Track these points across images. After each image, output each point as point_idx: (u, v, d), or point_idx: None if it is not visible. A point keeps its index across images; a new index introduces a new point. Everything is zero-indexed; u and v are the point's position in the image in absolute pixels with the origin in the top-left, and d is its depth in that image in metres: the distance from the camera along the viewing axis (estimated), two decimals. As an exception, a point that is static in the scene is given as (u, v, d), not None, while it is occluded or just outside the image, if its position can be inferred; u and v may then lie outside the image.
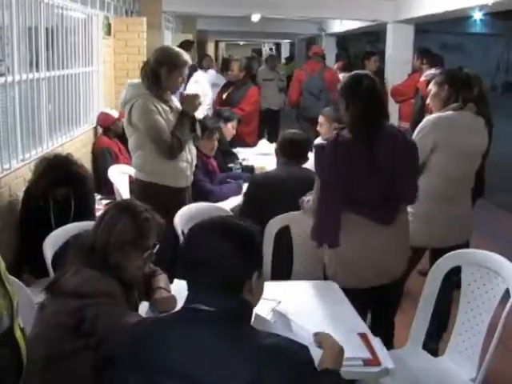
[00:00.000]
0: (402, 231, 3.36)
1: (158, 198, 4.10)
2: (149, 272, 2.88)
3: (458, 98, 3.83)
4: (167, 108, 4.14)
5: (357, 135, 3.16)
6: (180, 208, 3.90)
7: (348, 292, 3.16)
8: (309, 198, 3.47)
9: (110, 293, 2.33)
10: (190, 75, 7.48)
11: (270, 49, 28.17)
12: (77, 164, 4.23)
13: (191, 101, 4.22)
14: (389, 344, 3.43)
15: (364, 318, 3.29)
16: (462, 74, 3.99)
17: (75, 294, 2.30)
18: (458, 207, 3.91)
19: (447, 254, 3.26)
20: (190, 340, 1.73)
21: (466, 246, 4.18)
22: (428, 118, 3.86)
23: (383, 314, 3.65)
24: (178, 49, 4.28)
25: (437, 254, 3.55)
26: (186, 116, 4.18)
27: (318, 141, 5.71)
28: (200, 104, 4.29)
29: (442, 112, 3.84)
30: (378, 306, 3.56)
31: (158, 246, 2.59)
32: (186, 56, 4.24)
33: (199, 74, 7.75)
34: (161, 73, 4.09)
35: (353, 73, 3.42)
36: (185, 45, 8.26)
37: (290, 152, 4.20)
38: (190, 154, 4.28)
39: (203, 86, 7.58)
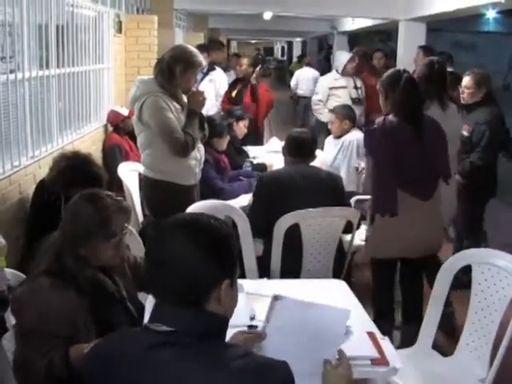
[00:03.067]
0: (436, 207, 3.76)
1: (167, 195, 4.12)
2: (133, 261, 2.83)
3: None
4: (178, 106, 4.12)
5: (403, 118, 3.60)
6: (189, 205, 3.89)
7: (385, 263, 3.83)
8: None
9: (47, 309, 2.27)
10: (207, 73, 7.52)
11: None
12: (96, 164, 4.17)
13: (196, 98, 4.19)
14: (418, 317, 3.65)
15: (392, 289, 4.00)
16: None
17: (14, 303, 2.33)
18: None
19: (458, 254, 3.26)
20: (152, 368, 1.57)
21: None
22: None
23: (414, 286, 4.06)
24: (194, 49, 4.25)
25: None
26: (193, 114, 4.16)
27: (330, 139, 5.70)
28: (205, 100, 4.25)
29: None
30: (411, 278, 4.06)
31: (127, 231, 2.53)
32: (202, 58, 4.23)
33: (215, 74, 7.74)
34: (176, 70, 4.05)
35: (394, 68, 3.97)
36: (215, 44, 8.34)
37: (296, 151, 4.16)
38: (198, 151, 4.26)
39: (218, 86, 7.58)
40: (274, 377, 1.55)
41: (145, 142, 4.18)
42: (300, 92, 13.68)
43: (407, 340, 3.54)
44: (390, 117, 3.64)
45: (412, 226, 3.65)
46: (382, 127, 3.63)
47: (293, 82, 14.04)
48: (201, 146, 4.32)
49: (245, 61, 7.69)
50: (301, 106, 13.93)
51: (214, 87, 7.53)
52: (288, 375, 1.59)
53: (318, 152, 4.50)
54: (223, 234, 1.69)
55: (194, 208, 3.91)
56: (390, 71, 3.84)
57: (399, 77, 3.68)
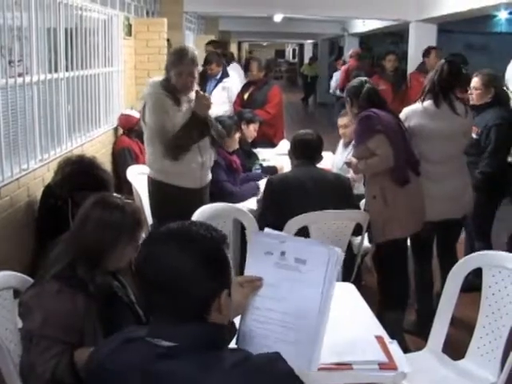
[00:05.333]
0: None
1: (166, 196, 4.24)
2: None
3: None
4: (180, 108, 4.14)
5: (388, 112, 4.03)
6: (190, 209, 3.83)
7: (400, 245, 4.09)
8: (353, 160, 4.06)
9: (54, 314, 2.26)
10: (220, 80, 7.52)
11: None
12: (102, 168, 4.16)
13: (200, 101, 4.18)
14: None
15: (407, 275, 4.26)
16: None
17: (22, 307, 2.35)
18: (446, 185, 4.13)
19: (468, 256, 3.24)
20: (158, 379, 1.54)
21: (463, 221, 4.48)
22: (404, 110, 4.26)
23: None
24: (185, 47, 4.29)
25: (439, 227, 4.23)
26: (195, 117, 4.13)
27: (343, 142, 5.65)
28: (210, 103, 4.22)
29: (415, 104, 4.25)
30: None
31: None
32: (193, 54, 4.17)
33: (229, 81, 7.70)
34: (171, 76, 4.13)
35: (358, 79, 4.26)
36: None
37: (302, 153, 4.13)
38: (201, 155, 4.25)
39: (231, 93, 7.56)
40: (277, 374, 1.55)
41: (146, 141, 4.30)
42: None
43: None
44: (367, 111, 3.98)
45: (419, 198, 4.02)
46: (377, 116, 3.91)
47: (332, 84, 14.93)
48: (208, 150, 4.30)
49: (255, 66, 7.61)
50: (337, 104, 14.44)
51: (226, 95, 7.52)
52: (287, 365, 1.58)
53: (327, 154, 4.46)
54: (217, 241, 1.65)
55: (203, 211, 3.89)
56: (353, 82, 4.20)
57: (362, 86, 4.03)
